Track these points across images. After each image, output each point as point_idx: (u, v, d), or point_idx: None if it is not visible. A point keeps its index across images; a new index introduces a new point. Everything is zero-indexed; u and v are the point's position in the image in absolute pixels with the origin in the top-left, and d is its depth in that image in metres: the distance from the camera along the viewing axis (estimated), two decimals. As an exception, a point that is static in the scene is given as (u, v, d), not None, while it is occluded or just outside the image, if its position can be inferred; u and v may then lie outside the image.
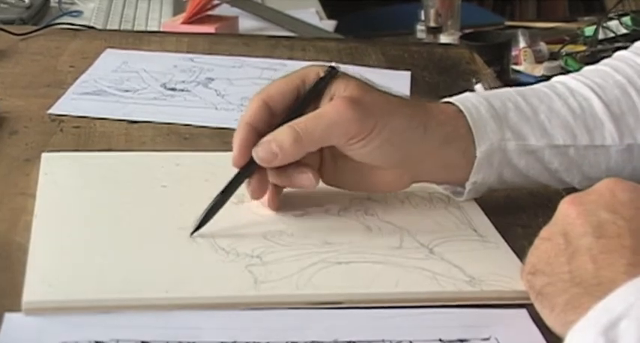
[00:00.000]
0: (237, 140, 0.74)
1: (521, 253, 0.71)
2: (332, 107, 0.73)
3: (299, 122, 0.72)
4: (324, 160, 0.77)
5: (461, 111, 0.77)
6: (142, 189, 0.80)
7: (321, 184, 0.79)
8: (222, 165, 0.84)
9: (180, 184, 0.81)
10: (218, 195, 0.74)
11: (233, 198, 0.76)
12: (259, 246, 0.71)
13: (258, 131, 0.74)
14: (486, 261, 0.72)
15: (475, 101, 0.78)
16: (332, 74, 0.75)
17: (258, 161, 0.73)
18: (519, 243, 0.74)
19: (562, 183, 0.81)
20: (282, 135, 0.72)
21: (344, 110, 0.72)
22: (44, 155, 0.86)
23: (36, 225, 0.73)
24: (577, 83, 0.82)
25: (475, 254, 0.73)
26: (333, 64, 0.76)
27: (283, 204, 0.78)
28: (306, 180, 0.75)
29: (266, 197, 0.77)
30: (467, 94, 0.80)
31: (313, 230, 0.75)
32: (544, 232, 0.66)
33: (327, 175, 0.77)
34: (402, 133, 0.74)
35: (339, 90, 0.74)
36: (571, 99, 0.80)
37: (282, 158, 0.73)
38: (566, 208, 0.64)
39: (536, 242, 0.67)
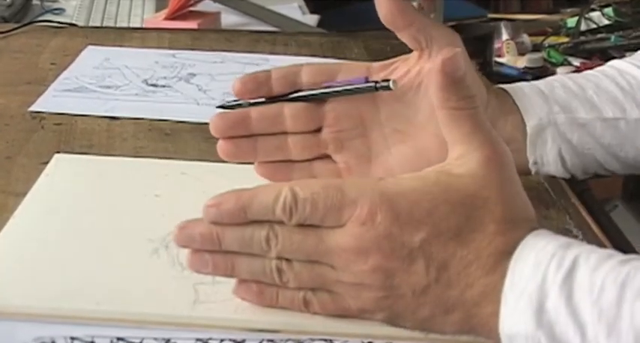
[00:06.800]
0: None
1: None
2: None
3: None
4: (376, 148, 0.76)
5: (506, 91, 0.79)
6: (133, 197, 0.79)
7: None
8: (230, 177, 0.81)
9: (175, 194, 0.79)
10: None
11: None
12: None
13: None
14: None
15: (519, 84, 0.80)
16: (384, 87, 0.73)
17: None
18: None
19: (618, 161, 0.80)
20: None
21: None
22: (56, 156, 0.85)
23: (8, 226, 0.73)
24: (627, 64, 0.83)
25: None
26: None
27: None
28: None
29: None
30: (515, 83, 0.82)
31: None
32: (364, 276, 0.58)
33: (381, 162, 0.76)
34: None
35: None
36: (619, 78, 0.81)
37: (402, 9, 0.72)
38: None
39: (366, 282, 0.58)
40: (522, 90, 0.79)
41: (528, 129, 0.77)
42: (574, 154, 0.79)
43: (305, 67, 0.76)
